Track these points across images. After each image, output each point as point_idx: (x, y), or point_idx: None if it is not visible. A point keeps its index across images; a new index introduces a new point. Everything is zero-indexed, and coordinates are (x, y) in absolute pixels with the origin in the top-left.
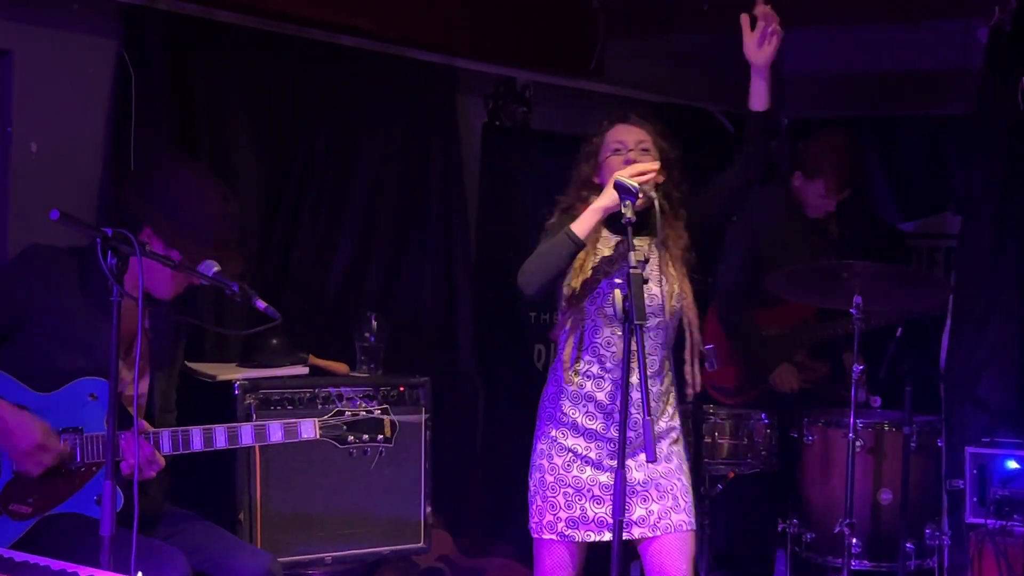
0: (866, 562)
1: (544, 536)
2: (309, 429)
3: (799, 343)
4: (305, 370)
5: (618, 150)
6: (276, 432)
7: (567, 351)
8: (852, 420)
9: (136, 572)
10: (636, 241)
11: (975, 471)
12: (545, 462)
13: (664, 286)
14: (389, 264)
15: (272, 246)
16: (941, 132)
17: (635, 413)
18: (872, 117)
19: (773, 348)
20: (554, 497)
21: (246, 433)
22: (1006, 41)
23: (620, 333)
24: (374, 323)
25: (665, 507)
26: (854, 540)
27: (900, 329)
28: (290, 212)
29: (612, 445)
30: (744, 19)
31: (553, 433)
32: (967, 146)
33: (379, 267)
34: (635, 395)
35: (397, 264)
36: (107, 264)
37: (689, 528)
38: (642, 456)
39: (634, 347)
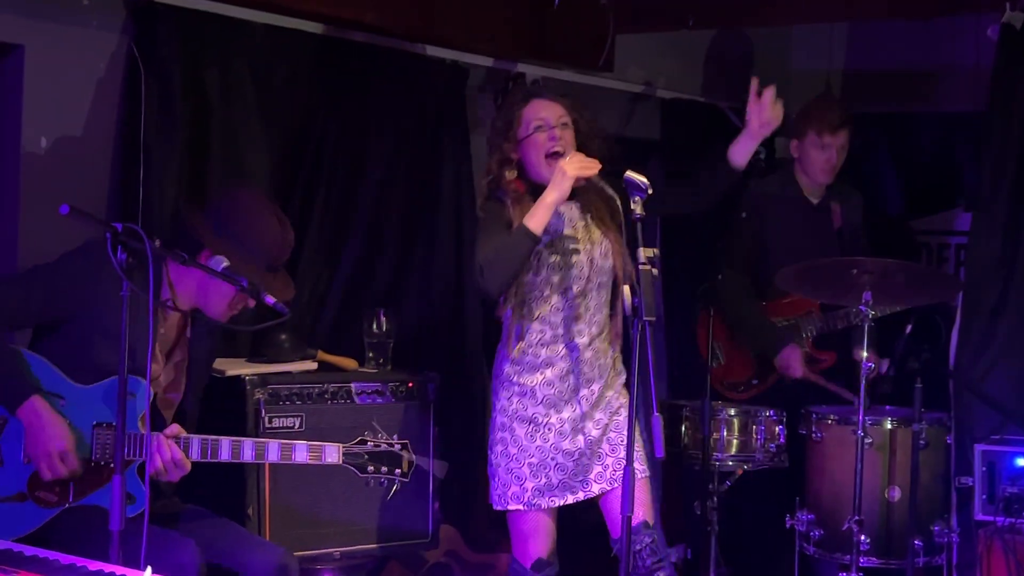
0: (874, 559)
1: (510, 507)
2: (333, 454)
3: (806, 333)
4: (314, 365)
5: (540, 127)
6: (301, 453)
7: (511, 329)
8: (861, 417)
9: (145, 567)
10: (562, 208)
11: (984, 468)
12: (507, 435)
13: (593, 248)
14: (398, 260)
15: None
16: (951, 129)
17: (590, 372)
18: (882, 114)
19: (779, 331)
20: (519, 468)
21: (272, 450)
22: (1017, 38)
23: (566, 298)
24: (383, 319)
25: (617, 458)
26: (862, 537)
27: (910, 326)
28: (299, 208)
29: (572, 408)
30: (754, 83)
31: (513, 406)
32: (978, 143)
33: (388, 263)
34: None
35: (406, 260)
36: (117, 260)
37: (641, 475)
38: (598, 416)
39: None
